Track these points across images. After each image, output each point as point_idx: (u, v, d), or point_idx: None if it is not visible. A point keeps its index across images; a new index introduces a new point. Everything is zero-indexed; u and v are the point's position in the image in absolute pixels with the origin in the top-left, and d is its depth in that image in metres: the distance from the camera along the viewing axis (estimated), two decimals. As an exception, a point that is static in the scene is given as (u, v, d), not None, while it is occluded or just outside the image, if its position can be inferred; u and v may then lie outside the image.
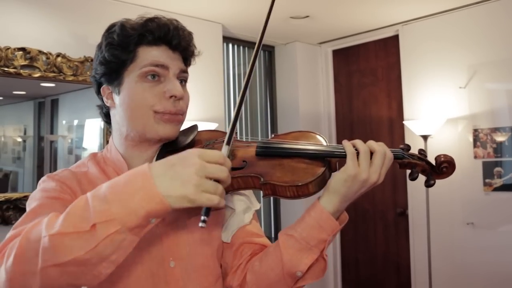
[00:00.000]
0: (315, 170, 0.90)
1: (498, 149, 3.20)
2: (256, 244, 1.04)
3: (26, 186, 2.71)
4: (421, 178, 0.98)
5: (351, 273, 4.20)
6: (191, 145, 1.00)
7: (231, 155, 0.95)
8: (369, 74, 4.08)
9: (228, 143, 0.80)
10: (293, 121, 4.20)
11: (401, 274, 3.84)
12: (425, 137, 3.36)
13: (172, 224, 0.96)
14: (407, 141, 3.73)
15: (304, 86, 4.21)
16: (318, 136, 0.99)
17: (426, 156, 0.98)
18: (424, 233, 3.43)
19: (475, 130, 3.31)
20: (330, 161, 0.93)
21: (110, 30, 0.97)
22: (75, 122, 2.94)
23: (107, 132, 2.91)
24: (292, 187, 0.88)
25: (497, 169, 3.21)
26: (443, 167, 0.97)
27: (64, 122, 2.91)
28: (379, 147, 0.89)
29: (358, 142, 0.90)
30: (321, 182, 0.90)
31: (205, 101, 3.46)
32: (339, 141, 4.64)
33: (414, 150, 0.99)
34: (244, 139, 1.02)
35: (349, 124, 4.24)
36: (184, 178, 0.68)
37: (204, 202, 0.69)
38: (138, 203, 0.68)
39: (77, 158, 2.94)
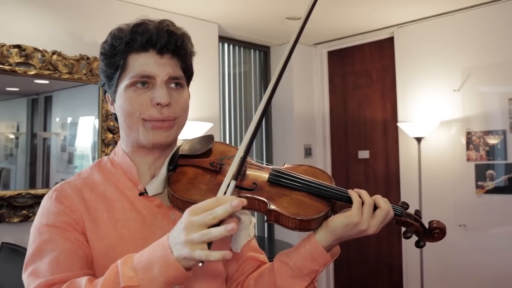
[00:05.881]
0: (320, 209, 0.94)
1: (491, 152, 3.23)
2: (258, 260, 1.10)
3: (19, 183, 2.70)
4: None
5: (343, 273, 4.22)
6: (207, 154, 1.03)
7: (242, 175, 0.98)
8: (364, 75, 4.09)
9: (235, 178, 0.80)
10: (287, 122, 4.21)
11: (393, 274, 3.86)
12: (418, 139, 3.39)
13: None
14: (400, 143, 3.76)
15: (299, 87, 4.22)
16: (327, 176, 1.04)
17: (420, 218, 1.04)
18: (417, 235, 3.45)
19: (468, 133, 3.33)
20: (335, 203, 0.98)
21: (105, 40, 0.99)
22: (69, 119, 2.93)
23: (101, 130, 2.90)
24: (295, 220, 0.91)
25: (489, 171, 3.24)
26: (435, 232, 1.02)
27: (57, 119, 2.89)
28: (385, 204, 0.96)
29: (364, 193, 0.96)
30: (322, 221, 0.95)
31: (200, 101, 3.46)
32: (333, 143, 4.60)
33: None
34: (255, 160, 1.05)
35: (343, 125, 4.26)
36: (180, 240, 0.72)
37: (197, 259, 0.71)
38: (158, 271, 0.73)
39: (70, 155, 2.92)
